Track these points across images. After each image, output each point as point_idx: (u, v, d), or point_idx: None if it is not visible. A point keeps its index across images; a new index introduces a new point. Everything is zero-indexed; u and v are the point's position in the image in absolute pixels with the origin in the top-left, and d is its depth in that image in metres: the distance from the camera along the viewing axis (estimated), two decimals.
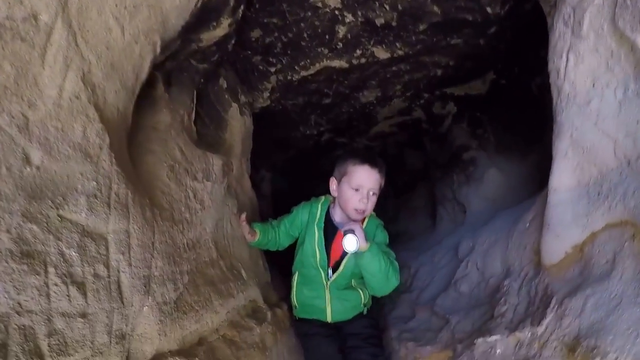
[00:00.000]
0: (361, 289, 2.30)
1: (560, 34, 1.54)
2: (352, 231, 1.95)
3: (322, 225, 2.25)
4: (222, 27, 1.83)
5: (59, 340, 1.05)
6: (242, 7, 1.86)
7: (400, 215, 5.12)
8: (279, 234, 2.34)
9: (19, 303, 0.96)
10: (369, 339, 2.25)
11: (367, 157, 2.13)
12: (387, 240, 2.23)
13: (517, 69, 2.99)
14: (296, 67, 2.62)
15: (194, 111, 2.03)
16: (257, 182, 3.05)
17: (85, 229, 1.14)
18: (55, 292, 1.04)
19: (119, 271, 1.25)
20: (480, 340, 1.68)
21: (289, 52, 2.50)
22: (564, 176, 1.54)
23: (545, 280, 1.59)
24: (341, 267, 2.21)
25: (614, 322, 1.19)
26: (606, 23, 1.35)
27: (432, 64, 2.79)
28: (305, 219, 2.32)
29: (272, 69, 2.63)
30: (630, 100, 1.30)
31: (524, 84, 2.96)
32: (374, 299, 2.41)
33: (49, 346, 1.02)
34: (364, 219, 2.22)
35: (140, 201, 1.37)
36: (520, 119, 3.17)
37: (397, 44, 2.45)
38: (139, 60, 1.31)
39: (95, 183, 1.16)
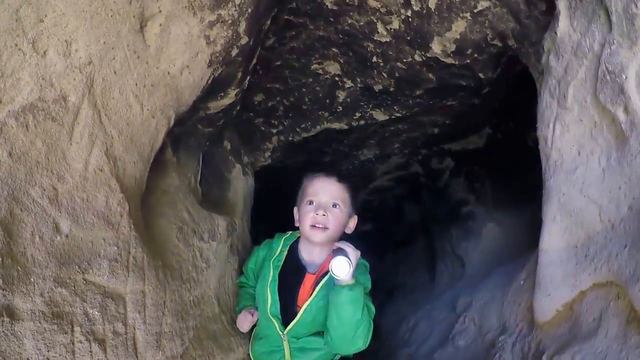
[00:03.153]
0: None
1: (547, 104, 1.65)
2: (345, 253, 1.56)
3: (280, 263, 1.84)
4: (229, 97, 1.95)
5: None
6: (248, 78, 1.99)
7: (400, 269, 5.13)
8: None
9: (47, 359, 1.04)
10: None
11: (322, 169, 1.88)
12: (369, 288, 1.74)
13: (513, 124, 3.08)
14: (297, 129, 2.75)
15: (199, 173, 2.12)
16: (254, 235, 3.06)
17: (106, 290, 1.23)
18: (79, 349, 1.13)
19: (134, 328, 1.33)
20: None
21: (290, 115, 2.63)
22: (554, 238, 1.62)
23: (538, 337, 1.65)
24: (300, 314, 1.74)
25: None
26: (589, 96, 1.45)
27: (429, 123, 2.92)
28: (263, 255, 1.95)
29: (274, 131, 2.76)
30: (612, 168, 1.39)
31: (519, 137, 3.04)
32: None
33: None
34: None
35: (154, 263, 1.46)
36: (517, 172, 3.23)
37: (395, 107, 2.59)
38: (154, 133, 1.41)
39: (116, 248, 1.25)
